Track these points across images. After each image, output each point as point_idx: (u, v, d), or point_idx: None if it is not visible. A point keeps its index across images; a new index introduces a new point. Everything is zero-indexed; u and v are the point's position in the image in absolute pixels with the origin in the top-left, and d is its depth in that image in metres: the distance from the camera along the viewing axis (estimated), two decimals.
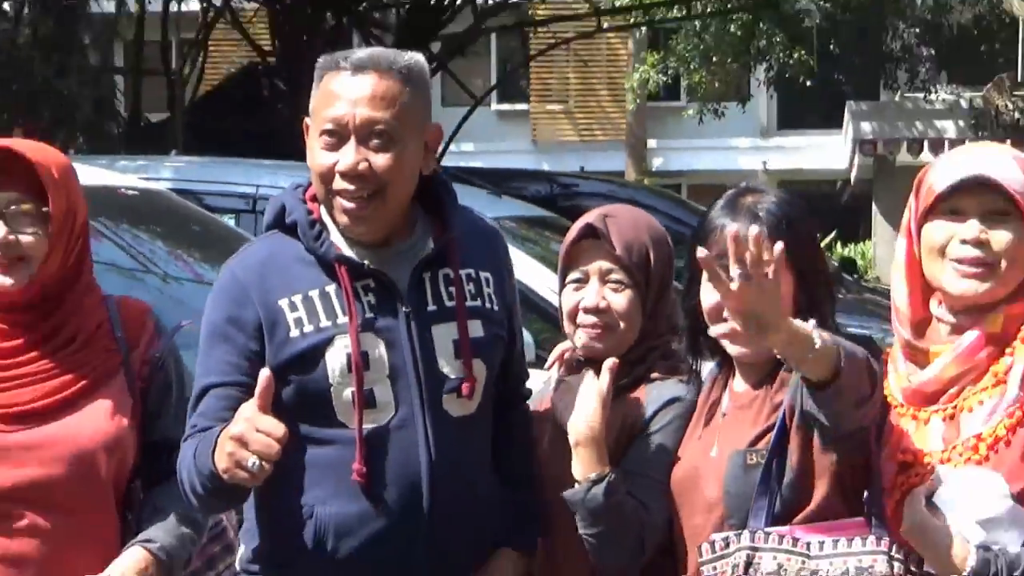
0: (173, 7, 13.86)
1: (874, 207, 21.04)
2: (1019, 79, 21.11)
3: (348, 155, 2.84)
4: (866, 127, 20.61)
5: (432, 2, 13.94)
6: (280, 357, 2.84)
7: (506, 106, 26.96)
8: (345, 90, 2.85)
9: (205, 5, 14.03)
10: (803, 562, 2.69)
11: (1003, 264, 2.72)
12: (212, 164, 7.84)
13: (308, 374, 2.85)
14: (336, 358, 2.85)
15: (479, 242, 3.05)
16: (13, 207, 2.98)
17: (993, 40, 20.53)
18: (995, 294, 2.73)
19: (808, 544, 2.70)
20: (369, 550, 2.85)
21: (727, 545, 2.75)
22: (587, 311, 3.05)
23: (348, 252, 2.90)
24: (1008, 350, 2.71)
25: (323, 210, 2.94)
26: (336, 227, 2.92)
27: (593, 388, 2.92)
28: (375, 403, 2.85)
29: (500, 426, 3.04)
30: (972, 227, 2.72)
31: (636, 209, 3.26)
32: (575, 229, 3.12)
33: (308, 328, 2.86)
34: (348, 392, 2.84)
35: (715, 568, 2.77)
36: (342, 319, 2.86)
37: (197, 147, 10.75)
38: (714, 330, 2.86)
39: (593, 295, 3.05)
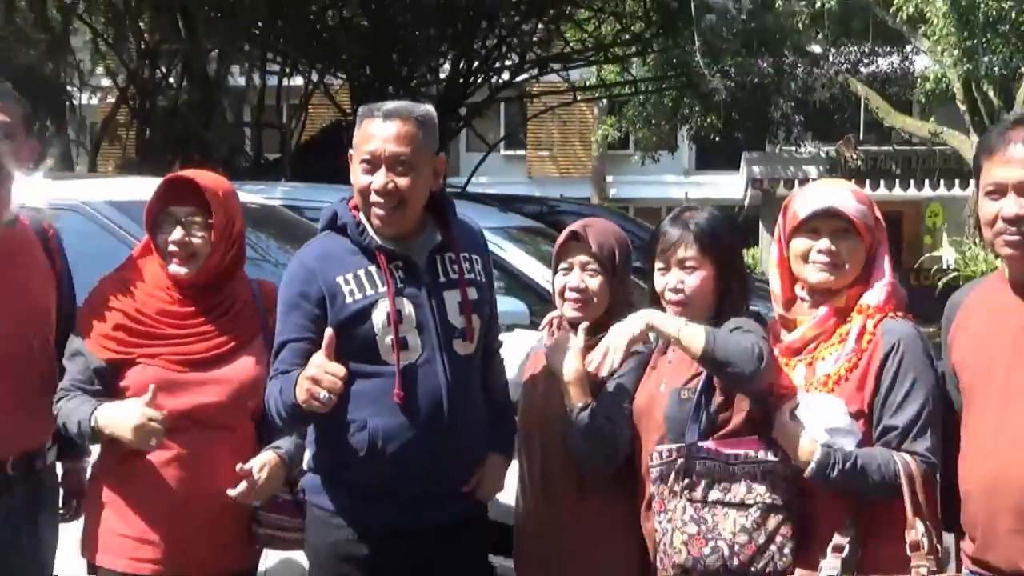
0: (284, 82, 13.84)
1: (760, 225, 20.98)
2: (861, 138, 21.09)
3: (380, 178, 2.82)
4: (756, 169, 20.54)
5: (460, 81, 13.98)
6: (339, 317, 2.80)
7: (510, 152, 26.74)
8: (378, 131, 2.82)
9: (306, 80, 14.03)
10: (724, 466, 2.68)
11: (847, 266, 2.76)
12: (309, 188, 7.77)
13: (360, 328, 2.80)
14: (379, 316, 2.81)
15: (469, 236, 3.02)
16: (188, 217, 2.99)
17: (843, 111, 20.46)
18: (840, 283, 2.77)
19: (728, 456, 2.69)
20: (407, 450, 2.81)
21: (671, 454, 2.73)
22: (571, 290, 3.04)
23: (382, 243, 2.88)
24: (848, 319, 2.75)
25: (361, 215, 2.90)
26: (371, 227, 2.89)
27: (576, 343, 2.92)
28: (408, 346, 2.81)
29: (482, 369, 3.01)
30: (824, 243, 2.75)
31: (606, 220, 3.23)
32: (564, 234, 3.10)
33: (358, 296, 2.82)
34: (388, 339, 2.80)
35: (662, 470, 2.74)
36: (382, 288, 2.83)
37: (300, 177, 10.74)
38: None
39: (575, 279, 3.04)
